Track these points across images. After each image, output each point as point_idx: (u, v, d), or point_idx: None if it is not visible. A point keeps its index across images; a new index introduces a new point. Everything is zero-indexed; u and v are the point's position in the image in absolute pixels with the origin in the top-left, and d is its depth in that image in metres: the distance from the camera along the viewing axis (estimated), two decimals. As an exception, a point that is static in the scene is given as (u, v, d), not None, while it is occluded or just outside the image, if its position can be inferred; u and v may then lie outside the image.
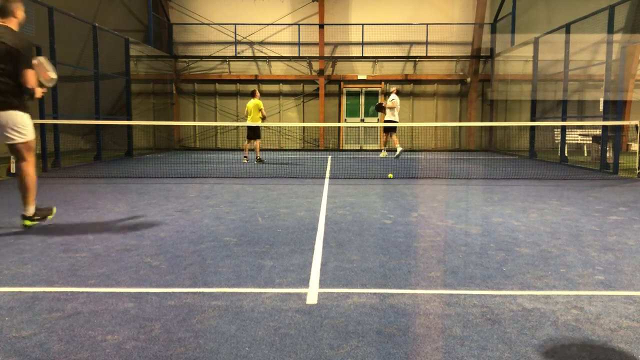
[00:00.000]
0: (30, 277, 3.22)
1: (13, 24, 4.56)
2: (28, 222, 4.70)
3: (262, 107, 12.02)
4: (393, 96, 13.57)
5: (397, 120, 13.59)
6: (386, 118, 13.63)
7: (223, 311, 2.67)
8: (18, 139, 4.52)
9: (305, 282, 3.14)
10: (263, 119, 12.11)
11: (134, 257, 3.69)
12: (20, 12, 4.59)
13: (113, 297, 2.88)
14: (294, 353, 2.21)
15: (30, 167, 4.62)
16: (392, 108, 13.47)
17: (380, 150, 14.82)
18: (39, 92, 4.60)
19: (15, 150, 4.57)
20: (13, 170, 8.83)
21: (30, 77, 4.47)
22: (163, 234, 4.47)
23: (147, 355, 2.17)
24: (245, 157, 12.44)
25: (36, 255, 3.75)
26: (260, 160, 12.39)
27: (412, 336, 2.38)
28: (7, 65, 4.41)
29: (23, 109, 4.56)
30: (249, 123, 11.60)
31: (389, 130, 13.82)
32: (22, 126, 4.53)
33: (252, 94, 12.18)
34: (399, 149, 13.67)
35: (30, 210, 4.66)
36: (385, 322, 2.54)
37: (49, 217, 4.93)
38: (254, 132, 12.24)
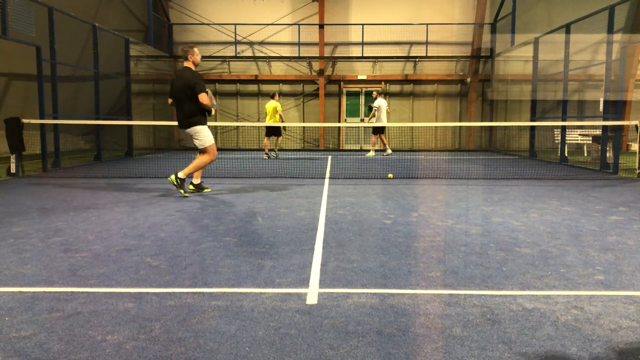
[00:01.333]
0: (30, 277, 3.22)
1: (190, 64, 6.65)
2: (172, 180, 6.49)
3: (280, 109, 13.12)
4: (380, 101, 13.84)
5: (385, 121, 13.83)
6: (375, 120, 13.94)
7: (223, 311, 2.67)
8: (199, 145, 6.65)
9: (305, 282, 3.14)
10: (281, 119, 13.29)
11: (134, 257, 3.69)
12: (194, 57, 6.66)
13: (113, 297, 2.88)
14: (294, 353, 2.21)
15: (205, 157, 6.69)
16: (378, 110, 13.97)
17: (383, 150, 15.09)
18: (212, 111, 6.77)
19: (199, 150, 6.72)
20: (13, 170, 8.83)
21: (204, 99, 6.44)
22: (163, 234, 4.47)
23: (147, 355, 2.17)
24: (266, 154, 13.46)
25: (36, 255, 3.75)
26: (275, 152, 13.78)
27: (412, 336, 2.38)
28: (190, 93, 6.41)
29: (201, 123, 6.60)
30: (268, 123, 12.62)
31: (377, 132, 14.52)
32: (202, 136, 6.62)
33: (272, 96, 13.20)
34: (372, 152, 14.64)
35: (181, 175, 6.52)
36: (385, 322, 2.54)
37: (206, 190, 6.95)
38: (275, 131, 13.45)
